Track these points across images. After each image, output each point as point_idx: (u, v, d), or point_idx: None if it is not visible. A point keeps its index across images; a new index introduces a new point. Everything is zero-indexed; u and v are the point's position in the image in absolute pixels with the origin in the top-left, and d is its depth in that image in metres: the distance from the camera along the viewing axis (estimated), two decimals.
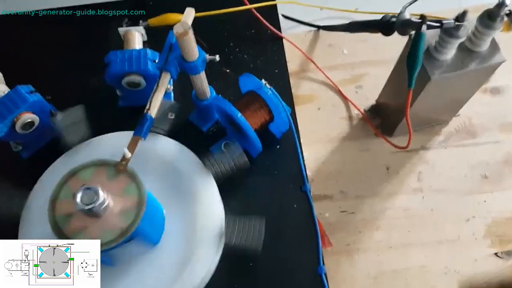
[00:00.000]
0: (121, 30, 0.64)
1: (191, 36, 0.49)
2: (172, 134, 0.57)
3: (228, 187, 0.56)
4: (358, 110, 0.73)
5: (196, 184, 0.55)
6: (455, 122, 0.72)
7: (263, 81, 0.59)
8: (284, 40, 0.75)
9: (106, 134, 0.58)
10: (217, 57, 0.55)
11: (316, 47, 0.79)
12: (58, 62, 0.72)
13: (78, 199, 0.43)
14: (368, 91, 0.74)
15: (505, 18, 0.49)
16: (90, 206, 0.42)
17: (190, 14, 0.54)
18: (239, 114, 0.58)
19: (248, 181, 0.63)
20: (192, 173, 0.56)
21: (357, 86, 0.75)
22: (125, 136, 0.53)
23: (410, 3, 0.66)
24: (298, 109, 0.69)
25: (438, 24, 0.49)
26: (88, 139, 0.57)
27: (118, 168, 0.47)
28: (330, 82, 0.76)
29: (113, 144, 0.56)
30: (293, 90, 0.71)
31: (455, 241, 0.64)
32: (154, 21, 0.67)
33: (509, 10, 0.48)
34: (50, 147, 0.65)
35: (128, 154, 0.48)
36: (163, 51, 0.53)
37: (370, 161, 0.70)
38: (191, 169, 0.56)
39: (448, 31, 0.50)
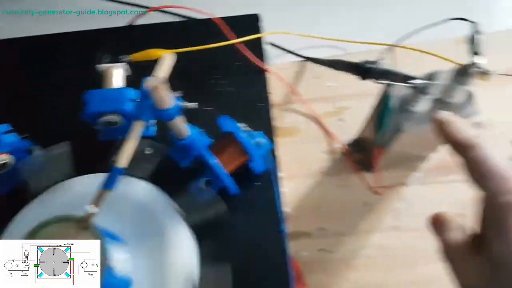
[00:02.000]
0: (100, 67, 0.63)
1: (163, 89, 0.49)
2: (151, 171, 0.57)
3: (203, 229, 0.57)
4: (340, 144, 0.73)
5: (167, 230, 0.55)
6: (434, 158, 0.71)
7: (240, 124, 0.59)
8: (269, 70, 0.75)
9: (79, 177, 0.59)
10: (196, 105, 0.55)
11: (302, 78, 0.80)
12: (36, 95, 0.72)
13: None
14: (351, 125, 0.75)
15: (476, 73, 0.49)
16: None
17: (167, 61, 0.53)
18: (213, 160, 0.58)
19: (223, 223, 0.63)
20: (163, 218, 0.56)
21: (340, 119, 0.76)
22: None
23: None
24: (280, 142, 0.69)
25: (407, 85, 0.49)
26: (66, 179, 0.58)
27: (82, 225, 0.44)
28: (314, 115, 0.76)
29: (87, 185, 0.56)
30: (276, 122, 0.70)
31: (433, 282, 0.64)
32: (136, 56, 0.66)
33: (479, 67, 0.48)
34: None
35: (92, 210, 0.45)
36: (140, 99, 0.53)
37: (348, 197, 0.70)
38: (163, 213, 0.57)
39: (419, 88, 0.50)
